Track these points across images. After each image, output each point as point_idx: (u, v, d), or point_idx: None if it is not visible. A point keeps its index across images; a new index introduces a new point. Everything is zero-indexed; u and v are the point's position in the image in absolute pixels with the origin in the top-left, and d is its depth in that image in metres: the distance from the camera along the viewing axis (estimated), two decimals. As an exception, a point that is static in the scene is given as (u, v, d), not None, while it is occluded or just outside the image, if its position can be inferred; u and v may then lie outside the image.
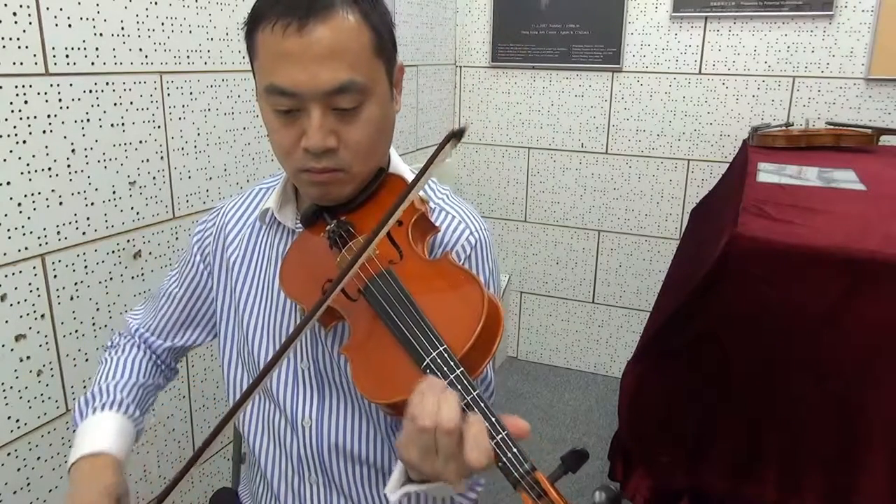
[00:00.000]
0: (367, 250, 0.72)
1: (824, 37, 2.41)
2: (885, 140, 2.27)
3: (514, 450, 0.62)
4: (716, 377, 1.34)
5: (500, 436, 0.62)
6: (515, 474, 0.61)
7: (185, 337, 1.06)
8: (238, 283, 0.96)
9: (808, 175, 1.79)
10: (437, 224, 0.86)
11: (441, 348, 0.66)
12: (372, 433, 0.91)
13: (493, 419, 0.63)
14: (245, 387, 0.97)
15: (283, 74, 0.76)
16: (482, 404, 0.64)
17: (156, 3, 1.39)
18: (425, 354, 0.66)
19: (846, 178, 1.75)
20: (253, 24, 0.80)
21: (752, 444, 1.33)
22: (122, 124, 1.35)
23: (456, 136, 0.67)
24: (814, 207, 1.45)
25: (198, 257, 1.01)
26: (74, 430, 0.95)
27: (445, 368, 0.65)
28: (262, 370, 0.74)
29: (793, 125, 2.43)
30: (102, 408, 0.94)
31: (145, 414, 1.00)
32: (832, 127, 2.28)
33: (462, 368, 0.65)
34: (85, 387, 1.34)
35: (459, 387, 0.64)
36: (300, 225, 0.90)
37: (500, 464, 0.62)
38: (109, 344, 1.07)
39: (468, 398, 0.64)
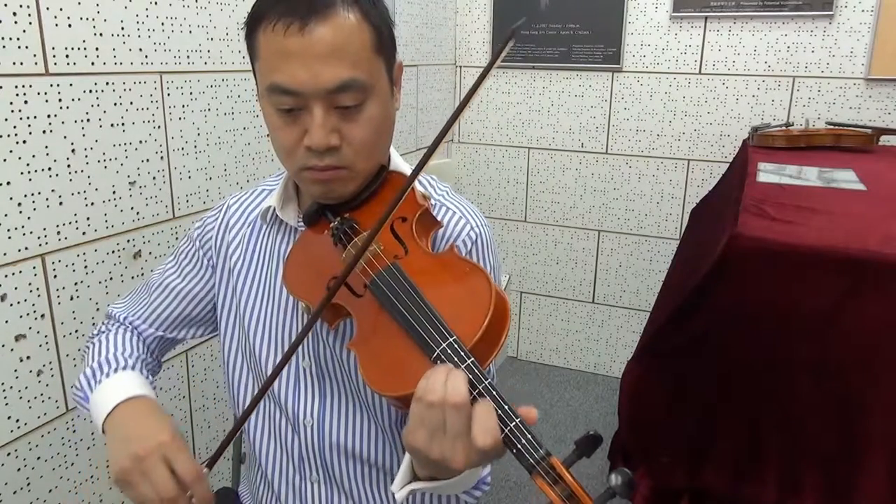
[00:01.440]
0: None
1: (824, 37, 2.41)
2: (885, 140, 2.27)
3: (529, 436, 0.63)
4: (716, 377, 1.34)
5: (514, 422, 0.63)
6: (531, 460, 0.62)
7: (181, 332, 1.03)
8: (239, 282, 0.96)
9: (808, 175, 1.79)
10: (441, 220, 0.87)
11: (451, 339, 0.67)
12: (374, 432, 0.91)
13: (506, 407, 0.64)
14: (248, 386, 0.97)
15: (285, 73, 0.77)
16: (494, 392, 0.65)
17: (156, 3, 1.39)
18: (435, 346, 0.67)
19: (846, 178, 1.75)
20: (253, 25, 0.80)
21: (752, 444, 1.33)
22: (122, 124, 1.35)
23: (516, 32, 0.69)
24: (814, 207, 1.45)
25: (199, 248, 1.00)
26: (80, 401, 0.92)
27: (456, 359, 0.66)
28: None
29: (793, 125, 2.43)
30: (116, 371, 0.91)
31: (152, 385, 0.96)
32: (832, 127, 2.28)
33: (473, 358, 0.66)
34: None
35: (471, 376, 0.65)
36: (302, 223, 0.91)
37: (514, 450, 0.63)
38: (94, 332, 1.03)
39: (480, 387, 0.65)
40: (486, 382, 0.65)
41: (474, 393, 0.64)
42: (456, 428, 0.63)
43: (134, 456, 0.75)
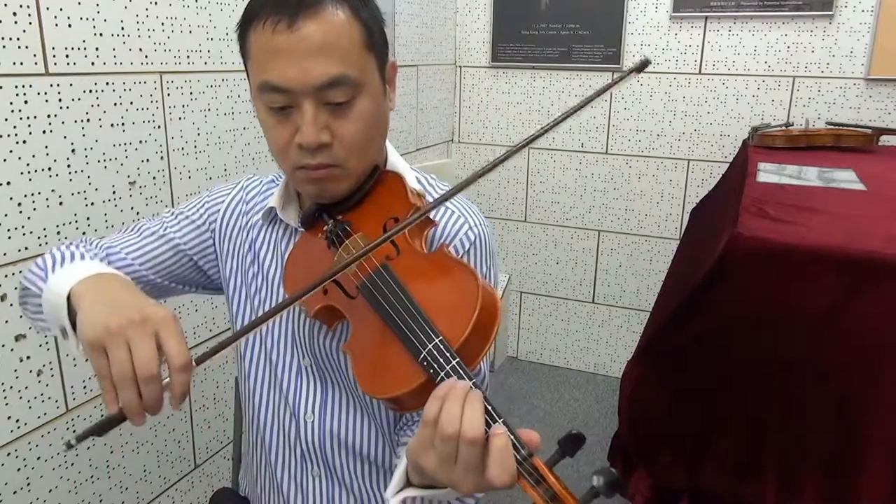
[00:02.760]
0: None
1: (824, 37, 2.41)
2: (885, 140, 2.27)
3: (512, 437, 0.62)
4: (716, 377, 1.34)
5: (497, 422, 0.63)
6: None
7: (157, 278, 0.96)
8: (249, 277, 0.97)
9: (808, 175, 1.79)
10: (435, 219, 0.86)
11: (437, 340, 0.67)
12: (373, 431, 0.92)
13: (490, 407, 0.63)
14: (260, 378, 0.96)
15: (274, 71, 0.77)
16: (479, 392, 0.64)
17: (156, 3, 1.39)
18: (421, 347, 0.67)
19: (846, 178, 1.75)
20: (245, 25, 0.81)
21: (752, 444, 1.33)
22: (122, 124, 1.35)
23: (639, 69, 0.67)
24: (814, 207, 1.45)
25: (206, 219, 0.99)
26: (33, 280, 0.85)
27: (441, 360, 0.65)
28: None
29: (793, 125, 2.43)
30: (82, 258, 0.80)
31: None
32: (832, 127, 2.28)
33: (458, 359, 0.65)
34: (85, 387, 1.34)
35: (455, 377, 0.64)
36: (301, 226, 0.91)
37: None
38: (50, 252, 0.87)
39: None
40: (472, 383, 0.64)
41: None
42: (469, 461, 0.61)
43: (126, 319, 0.65)
